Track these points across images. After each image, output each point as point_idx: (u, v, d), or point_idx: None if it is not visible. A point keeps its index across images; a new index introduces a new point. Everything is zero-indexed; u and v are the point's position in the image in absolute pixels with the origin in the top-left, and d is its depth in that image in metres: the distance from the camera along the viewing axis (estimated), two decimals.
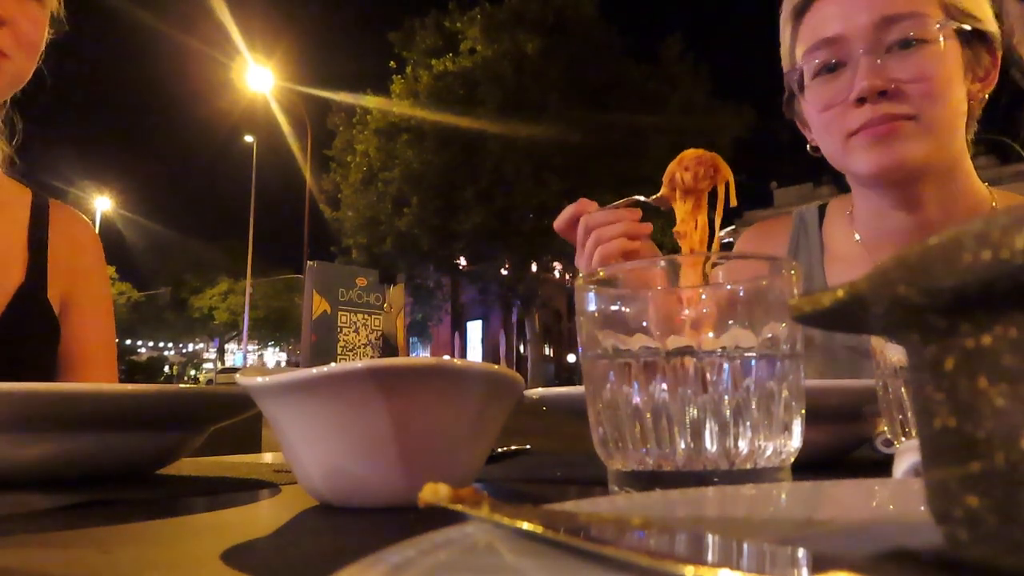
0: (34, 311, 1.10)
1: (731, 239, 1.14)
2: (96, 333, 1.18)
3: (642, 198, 0.95)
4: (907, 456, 0.39)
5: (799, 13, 1.07)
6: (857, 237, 1.16)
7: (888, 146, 0.99)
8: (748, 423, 0.43)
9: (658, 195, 0.90)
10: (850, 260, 1.16)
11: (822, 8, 1.05)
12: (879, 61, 0.98)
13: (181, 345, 44.35)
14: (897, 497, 0.29)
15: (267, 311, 34.20)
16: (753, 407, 0.43)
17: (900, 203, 1.08)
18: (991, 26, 1.02)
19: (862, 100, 0.98)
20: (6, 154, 1.19)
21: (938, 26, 0.97)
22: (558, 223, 1.03)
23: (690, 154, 0.87)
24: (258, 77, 25.26)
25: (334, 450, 0.48)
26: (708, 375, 0.43)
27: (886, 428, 0.60)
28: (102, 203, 38.98)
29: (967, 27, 1.00)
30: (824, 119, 1.05)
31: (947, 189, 1.06)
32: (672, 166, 0.88)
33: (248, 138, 29.17)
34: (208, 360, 42.02)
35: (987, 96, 1.06)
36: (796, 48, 1.08)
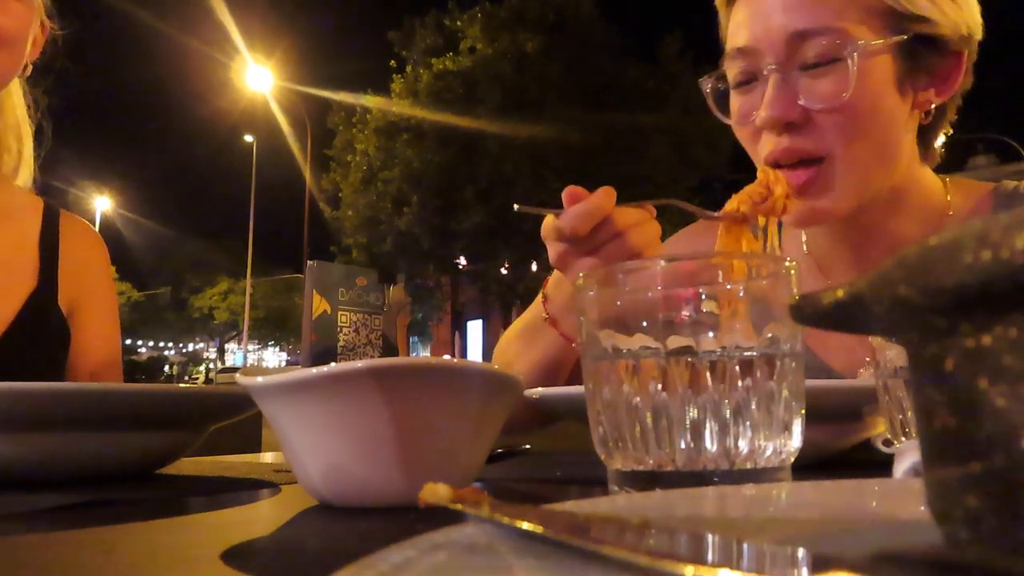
0: (46, 316, 1.11)
1: None
2: (103, 340, 1.19)
3: (713, 214, 0.84)
4: (907, 456, 0.39)
5: (728, 3, 0.96)
6: (804, 246, 1.07)
7: (802, 202, 0.89)
8: (748, 423, 0.43)
9: (730, 212, 0.82)
10: (801, 270, 1.07)
11: (741, 7, 0.93)
12: (789, 83, 0.87)
13: (181, 345, 44.36)
14: (897, 497, 0.29)
15: (267, 311, 34.19)
16: (753, 407, 0.43)
17: (842, 234, 1.00)
18: (948, 27, 0.88)
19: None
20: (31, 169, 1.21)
21: (861, 43, 0.84)
22: (581, 223, 0.80)
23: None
24: (258, 77, 25.24)
25: (334, 450, 0.48)
26: (708, 375, 0.43)
27: (886, 428, 0.60)
28: (102, 203, 38.97)
29: (906, 36, 0.86)
30: (741, 136, 0.96)
31: (893, 210, 0.96)
32: (779, 190, 0.81)
33: (248, 138, 29.19)
34: (208, 360, 42.02)
35: (959, 96, 0.95)
36: (727, 41, 0.96)
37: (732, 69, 0.93)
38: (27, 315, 1.08)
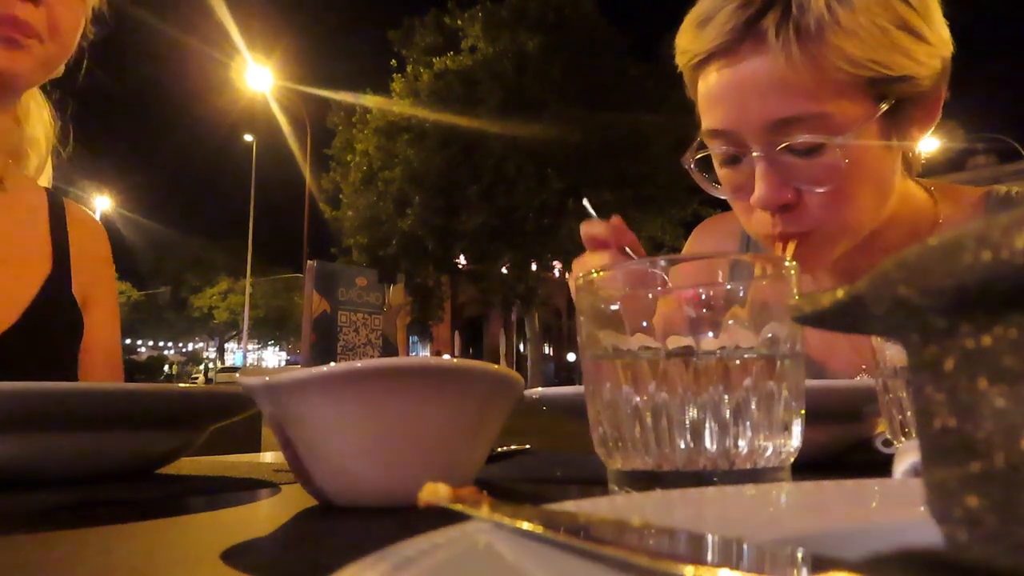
0: (61, 302, 1.10)
1: None
2: (105, 331, 1.18)
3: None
4: (907, 456, 0.39)
5: (695, 68, 0.91)
6: None
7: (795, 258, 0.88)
8: (748, 423, 0.43)
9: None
10: None
11: (709, 80, 0.88)
12: (777, 166, 0.85)
13: (181, 345, 44.38)
14: (897, 497, 0.29)
15: (267, 311, 34.24)
16: (753, 407, 0.43)
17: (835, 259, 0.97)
18: (927, 75, 0.85)
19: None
20: (54, 162, 1.21)
21: (848, 134, 0.82)
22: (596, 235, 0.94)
23: None
24: (257, 76, 25.22)
25: (334, 450, 0.48)
26: (708, 375, 0.43)
27: (886, 428, 0.60)
28: (102, 203, 38.95)
29: (889, 102, 0.84)
30: (736, 208, 0.95)
31: (883, 228, 0.94)
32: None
33: (248, 138, 29.21)
34: (207, 359, 42.04)
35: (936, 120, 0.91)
36: (699, 110, 0.94)
37: (714, 147, 0.91)
38: (43, 300, 1.06)
